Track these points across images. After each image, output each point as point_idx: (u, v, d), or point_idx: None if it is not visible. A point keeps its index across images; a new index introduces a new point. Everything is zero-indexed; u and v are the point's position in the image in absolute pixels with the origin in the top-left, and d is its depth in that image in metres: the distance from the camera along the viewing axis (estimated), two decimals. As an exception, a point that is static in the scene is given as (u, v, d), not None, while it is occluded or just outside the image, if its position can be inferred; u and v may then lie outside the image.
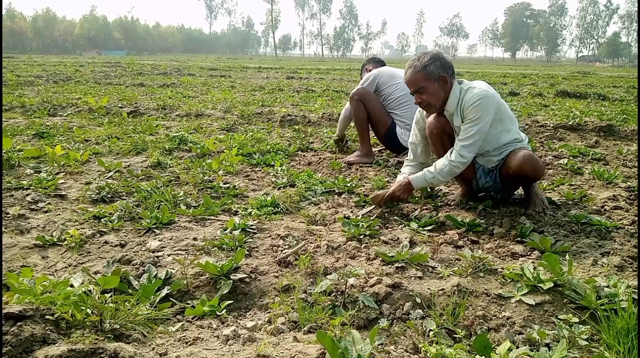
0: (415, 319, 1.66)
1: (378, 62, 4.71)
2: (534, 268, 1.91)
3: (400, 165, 4.01)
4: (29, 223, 2.48)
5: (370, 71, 4.54)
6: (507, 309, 1.72)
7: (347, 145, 4.77)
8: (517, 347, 1.48)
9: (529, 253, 2.26)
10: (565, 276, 1.81)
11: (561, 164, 4.17)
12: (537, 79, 17.85)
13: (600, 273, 2.03)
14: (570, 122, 5.85)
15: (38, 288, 1.58)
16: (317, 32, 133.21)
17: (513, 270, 1.94)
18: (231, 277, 1.89)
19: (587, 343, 1.48)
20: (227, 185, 3.29)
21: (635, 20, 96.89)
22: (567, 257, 1.98)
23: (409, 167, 3.13)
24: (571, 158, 4.42)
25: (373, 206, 2.85)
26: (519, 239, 2.43)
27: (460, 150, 2.69)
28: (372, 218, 2.67)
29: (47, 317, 1.44)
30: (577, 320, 1.60)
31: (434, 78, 2.69)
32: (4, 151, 3.68)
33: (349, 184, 3.36)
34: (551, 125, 5.88)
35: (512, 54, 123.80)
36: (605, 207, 2.98)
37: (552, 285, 1.78)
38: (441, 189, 3.36)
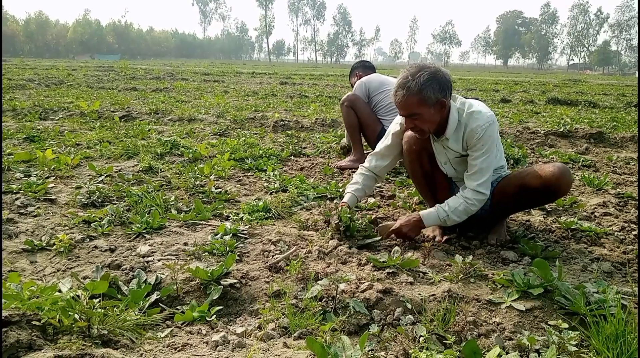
0: (406, 325, 1.66)
1: (368, 68, 4.74)
2: (525, 274, 1.92)
3: (391, 171, 4.02)
4: (17, 227, 2.46)
5: (358, 75, 4.60)
6: (497, 315, 1.73)
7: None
8: (507, 353, 1.48)
9: (519, 258, 2.27)
10: (555, 282, 1.82)
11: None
12: (528, 86, 18.00)
13: (589, 278, 2.04)
14: (561, 129, 5.90)
15: (25, 293, 1.56)
16: (311, 38, 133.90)
17: (503, 275, 1.95)
18: (221, 282, 1.88)
19: (577, 349, 1.49)
20: (219, 190, 3.27)
21: (625, 29, 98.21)
22: (557, 263, 1.99)
23: (362, 176, 2.71)
24: (562, 164, 4.45)
25: (380, 237, 2.48)
26: (510, 245, 2.44)
27: (477, 187, 2.31)
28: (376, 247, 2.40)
29: (33, 322, 1.42)
30: (566, 325, 1.60)
31: (431, 103, 2.25)
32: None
33: (341, 190, 3.36)
34: (542, 132, 5.92)
35: (504, 61, 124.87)
36: (595, 213, 3.00)
37: (542, 290, 1.79)
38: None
